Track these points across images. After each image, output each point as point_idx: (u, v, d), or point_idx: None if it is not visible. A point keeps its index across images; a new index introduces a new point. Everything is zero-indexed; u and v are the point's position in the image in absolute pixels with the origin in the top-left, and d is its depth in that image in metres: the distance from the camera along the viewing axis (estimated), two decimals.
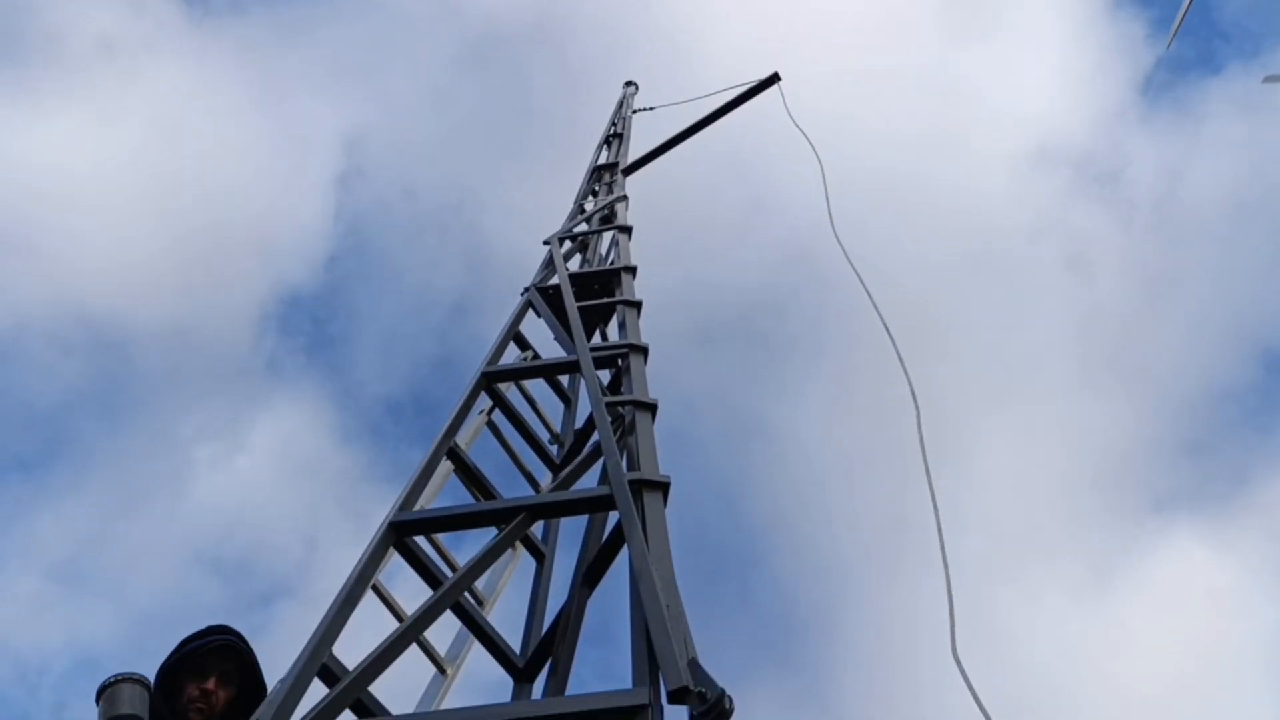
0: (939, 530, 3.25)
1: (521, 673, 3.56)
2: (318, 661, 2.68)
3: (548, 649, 3.58)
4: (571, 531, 4.60)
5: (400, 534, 3.29)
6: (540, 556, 4.26)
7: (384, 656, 2.75)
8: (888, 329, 4.90)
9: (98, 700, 2.80)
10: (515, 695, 3.53)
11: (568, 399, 5.60)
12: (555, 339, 5.72)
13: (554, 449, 5.12)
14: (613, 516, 3.52)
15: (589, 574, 3.42)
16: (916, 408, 4.20)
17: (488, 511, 3.35)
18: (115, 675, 2.73)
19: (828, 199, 6.80)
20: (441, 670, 3.77)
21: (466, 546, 4.11)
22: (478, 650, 3.94)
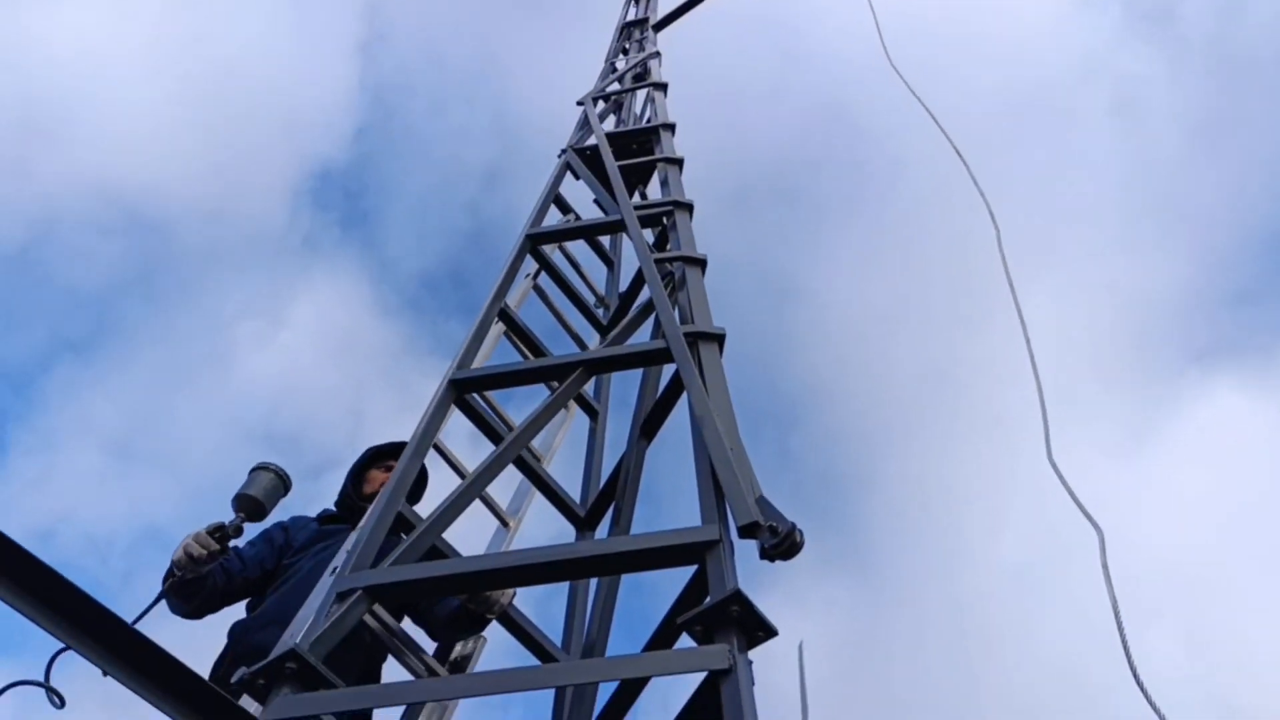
0: (1027, 340, 3.27)
1: (583, 522, 3.67)
2: (393, 510, 2.78)
3: (606, 500, 3.68)
4: (621, 391, 4.67)
5: (460, 391, 3.34)
6: (594, 414, 4.34)
7: (454, 507, 2.84)
8: (955, 148, 4.79)
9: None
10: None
11: (610, 261, 5.59)
12: (595, 200, 5.68)
13: (599, 312, 5.14)
14: (668, 370, 3.57)
15: (646, 426, 3.48)
16: (996, 228, 4.16)
17: (546, 367, 3.39)
18: (263, 463, 3.07)
19: (880, 32, 6.54)
20: (504, 523, 3.89)
21: (516, 404, 4.21)
22: (536, 505, 4.07)
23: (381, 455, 3.91)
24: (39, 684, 2.24)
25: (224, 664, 3.15)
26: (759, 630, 2.06)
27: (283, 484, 3.08)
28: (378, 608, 3.03)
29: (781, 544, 2.20)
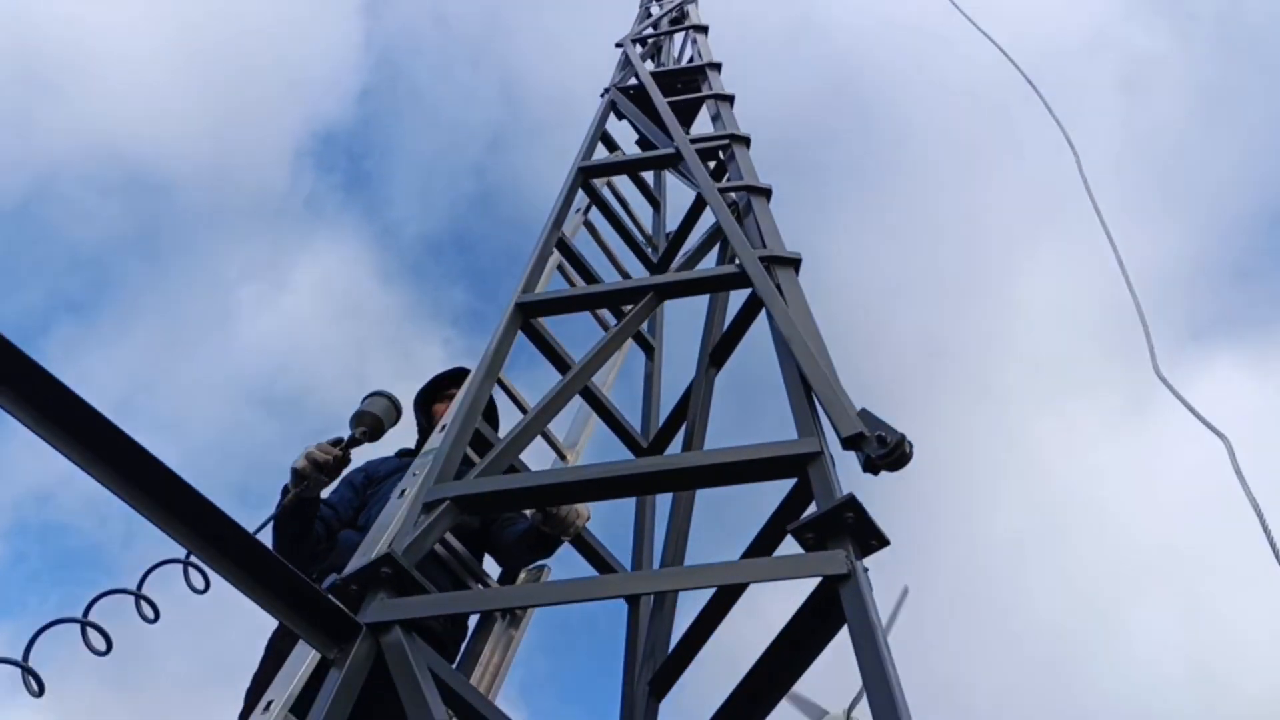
0: (1120, 263, 3.20)
1: (645, 452, 3.61)
2: (470, 427, 2.71)
3: (668, 433, 3.62)
4: (676, 324, 4.60)
5: (526, 315, 3.27)
6: (649, 349, 4.26)
7: (526, 431, 2.77)
8: (1029, 81, 4.69)
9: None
10: None
11: (656, 201, 5.50)
12: (638, 140, 5.58)
13: (648, 251, 5.06)
14: (735, 300, 3.50)
15: (715, 354, 3.40)
16: (1076, 155, 4.08)
17: (616, 291, 3.31)
18: (378, 390, 3.17)
19: None
20: (561, 456, 3.83)
21: (568, 337, 4.15)
22: (592, 439, 4.02)
23: (443, 384, 3.89)
24: (132, 593, 2.20)
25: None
26: (872, 538, 1.99)
27: (396, 411, 3.13)
28: (448, 534, 2.99)
29: (891, 453, 2.13)
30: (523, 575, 3.32)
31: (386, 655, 1.94)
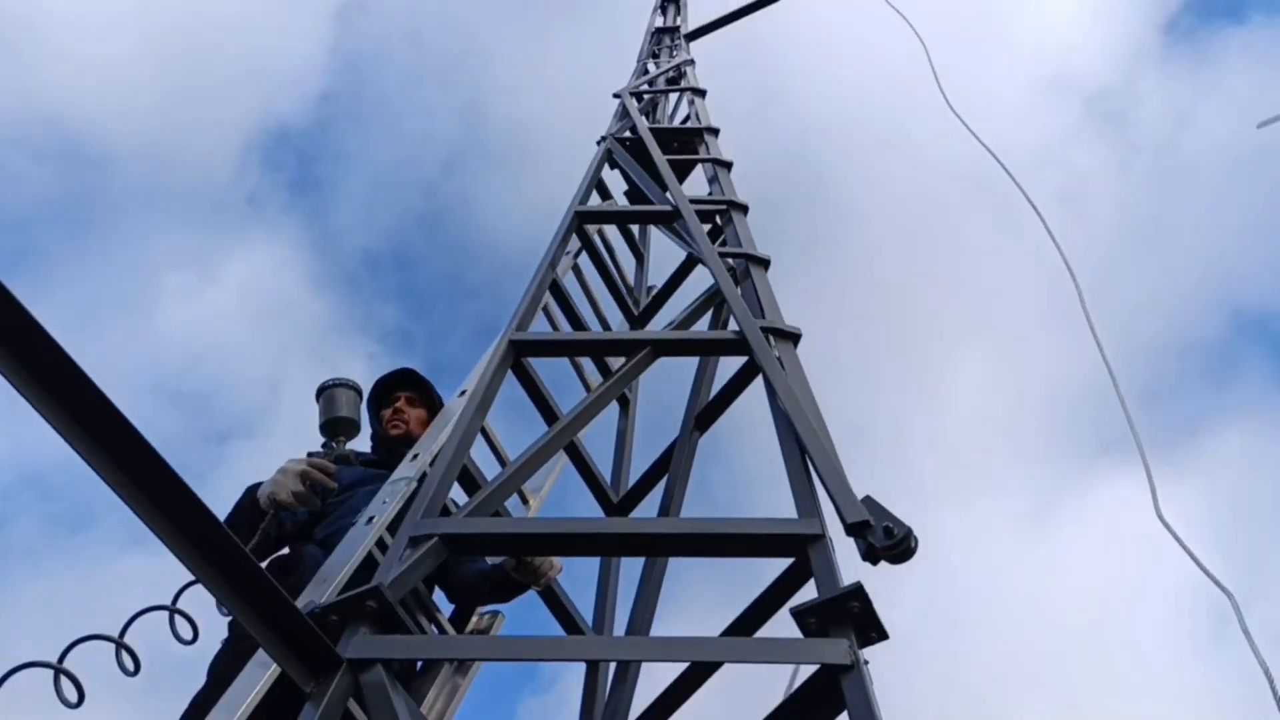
0: (1122, 401, 3.23)
1: (616, 509, 3.56)
2: (458, 464, 2.64)
3: (641, 490, 3.58)
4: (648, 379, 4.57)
5: (519, 353, 3.21)
6: (625, 402, 4.23)
7: (511, 481, 2.69)
8: (1026, 195, 4.79)
9: (317, 399, 3.09)
10: None
11: (640, 254, 5.50)
12: (627, 191, 5.61)
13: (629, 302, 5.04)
14: (725, 365, 3.49)
15: (701, 418, 3.38)
16: (1071, 272, 4.15)
17: (612, 341, 3.28)
18: (332, 379, 2.92)
19: (936, 76, 6.54)
20: (524, 499, 3.75)
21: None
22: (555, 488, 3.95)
23: (391, 385, 3.74)
24: (168, 609, 2.10)
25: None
26: (873, 630, 1.97)
27: (359, 395, 2.95)
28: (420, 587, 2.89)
29: (896, 545, 2.12)
30: (475, 619, 3.23)
31: (366, 695, 1.85)
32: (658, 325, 4.89)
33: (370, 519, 2.88)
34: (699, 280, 4.78)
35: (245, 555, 1.79)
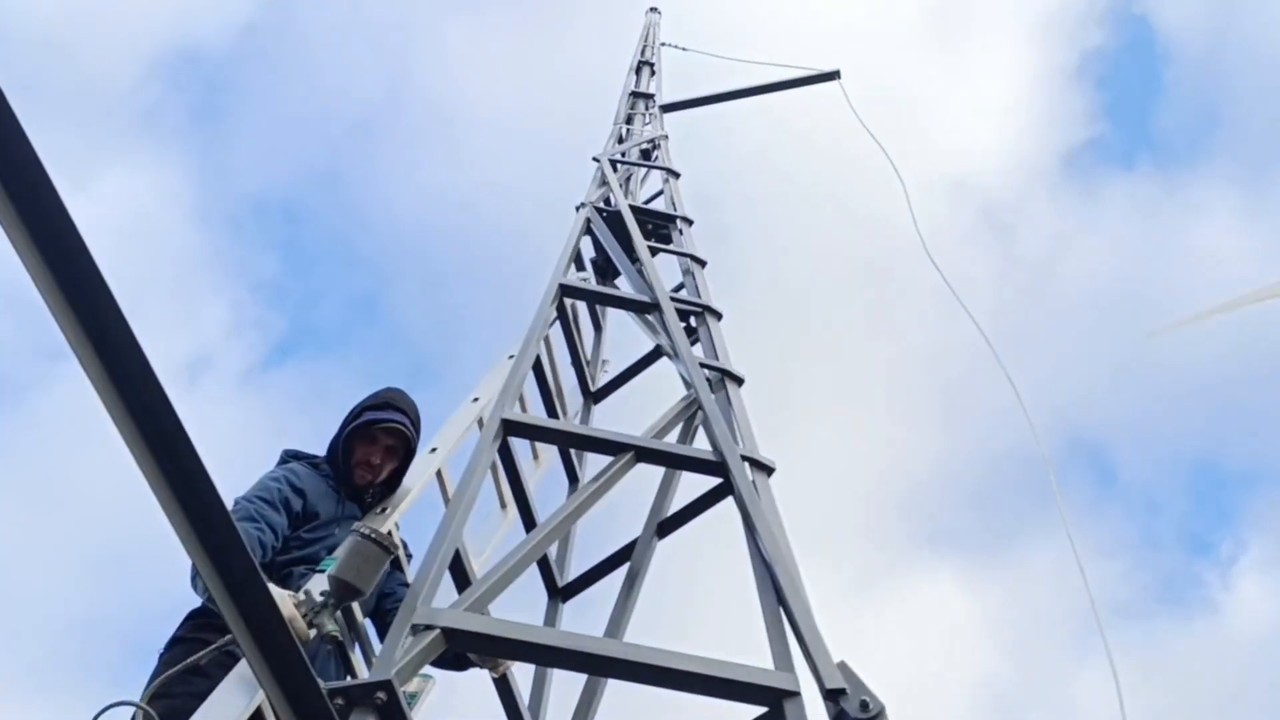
0: (1099, 622, 3.48)
1: (560, 592, 3.64)
2: (452, 546, 2.70)
3: (588, 580, 3.68)
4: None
5: (507, 433, 3.29)
6: (575, 480, 4.32)
7: (504, 578, 2.75)
8: (989, 342, 5.08)
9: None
10: (550, 613, 3.62)
11: (599, 327, 5.63)
12: (595, 259, 5.76)
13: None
14: (689, 477, 3.63)
15: (663, 526, 3.51)
16: (1041, 446, 4.43)
17: (598, 440, 3.38)
18: (364, 530, 2.43)
19: (912, 212, 6.86)
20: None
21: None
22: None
23: (370, 429, 3.53)
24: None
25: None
26: None
27: (383, 550, 2.42)
28: (354, 605, 2.91)
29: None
30: (413, 683, 3.25)
31: None
32: (613, 408, 5.03)
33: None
34: (660, 368, 4.95)
35: (287, 634, 1.83)
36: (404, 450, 3.57)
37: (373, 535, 2.41)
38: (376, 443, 3.53)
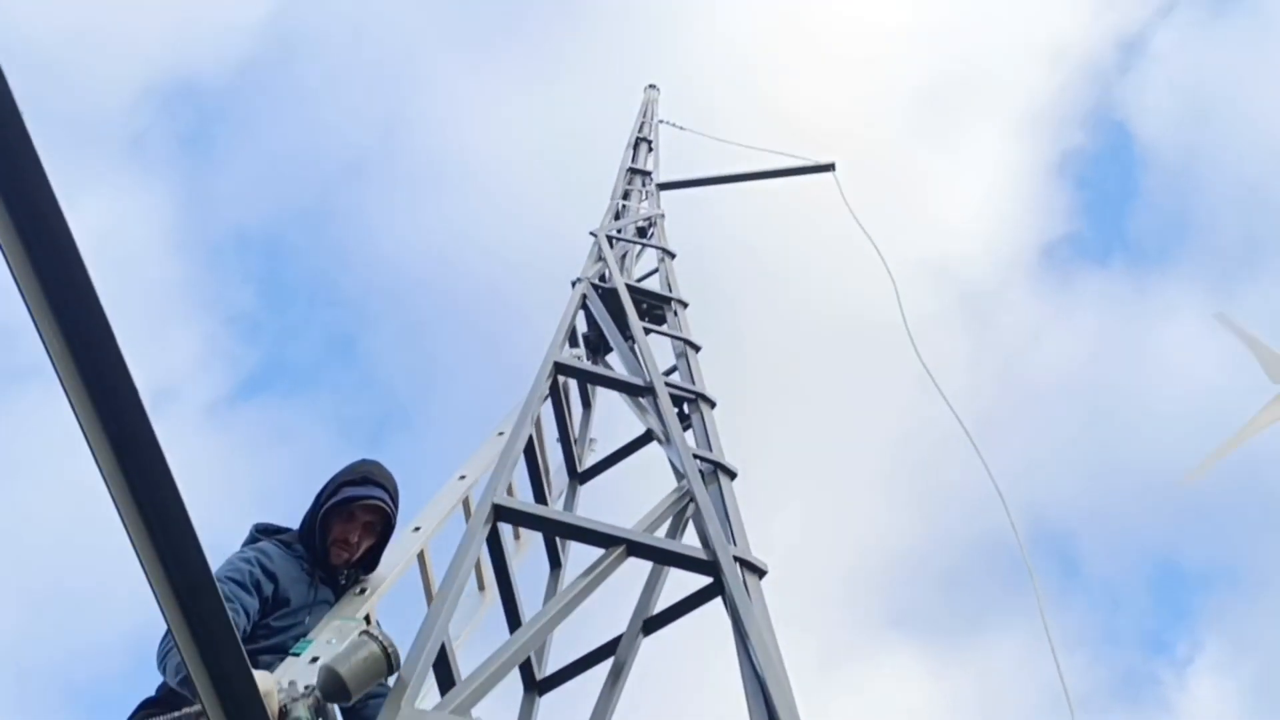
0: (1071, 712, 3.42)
1: (537, 686, 3.53)
2: (438, 641, 2.60)
3: (570, 672, 3.57)
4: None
5: (498, 517, 3.21)
6: (557, 564, 4.22)
7: (492, 676, 2.65)
8: (975, 446, 5.06)
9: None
10: (526, 708, 3.50)
11: (589, 404, 5.57)
12: (584, 334, 5.73)
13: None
14: (673, 574, 3.55)
15: (649, 623, 3.42)
16: (1016, 534, 4.40)
17: (590, 531, 3.30)
18: (370, 630, 2.33)
19: (901, 309, 6.88)
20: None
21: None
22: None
23: (348, 506, 3.42)
24: None
25: None
26: None
27: (389, 666, 2.29)
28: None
29: None
30: None
31: None
32: (594, 486, 4.95)
33: (315, 659, 2.78)
34: (653, 450, 4.88)
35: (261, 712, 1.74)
36: (382, 526, 3.47)
37: (382, 641, 2.30)
38: (355, 520, 3.43)
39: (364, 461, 3.61)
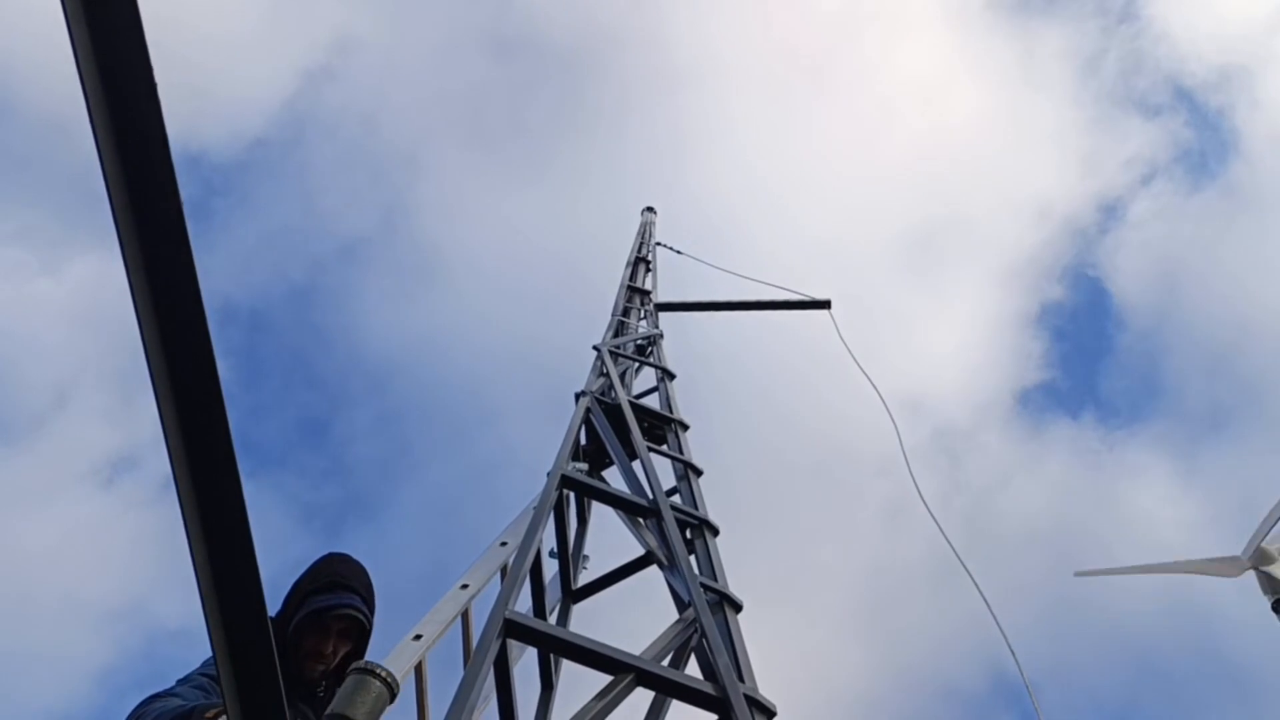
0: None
1: None
2: None
3: None
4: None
5: (508, 633, 3.14)
6: (549, 685, 4.12)
7: None
8: (968, 571, 5.04)
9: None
10: None
11: (584, 520, 5.52)
12: (587, 447, 5.73)
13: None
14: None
15: None
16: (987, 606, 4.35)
17: (599, 655, 3.23)
18: (367, 664, 2.27)
19: (905, 454, 6.94)
20: None
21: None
22: None
23: (320, 618, 3.21)
24: None
25: None
26: None
27: (390, 695, 2.30)
28: None
29: None
30: None
31: None
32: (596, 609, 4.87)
33: None
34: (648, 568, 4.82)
35: None
36: (358, 632, 3.29)
37: (377, 674, 2.25)
38: (329, 631, 3.23)
39: (330, 561, 3.41)
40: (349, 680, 2.29)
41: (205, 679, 3.02)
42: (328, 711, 2.30)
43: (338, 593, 3.28)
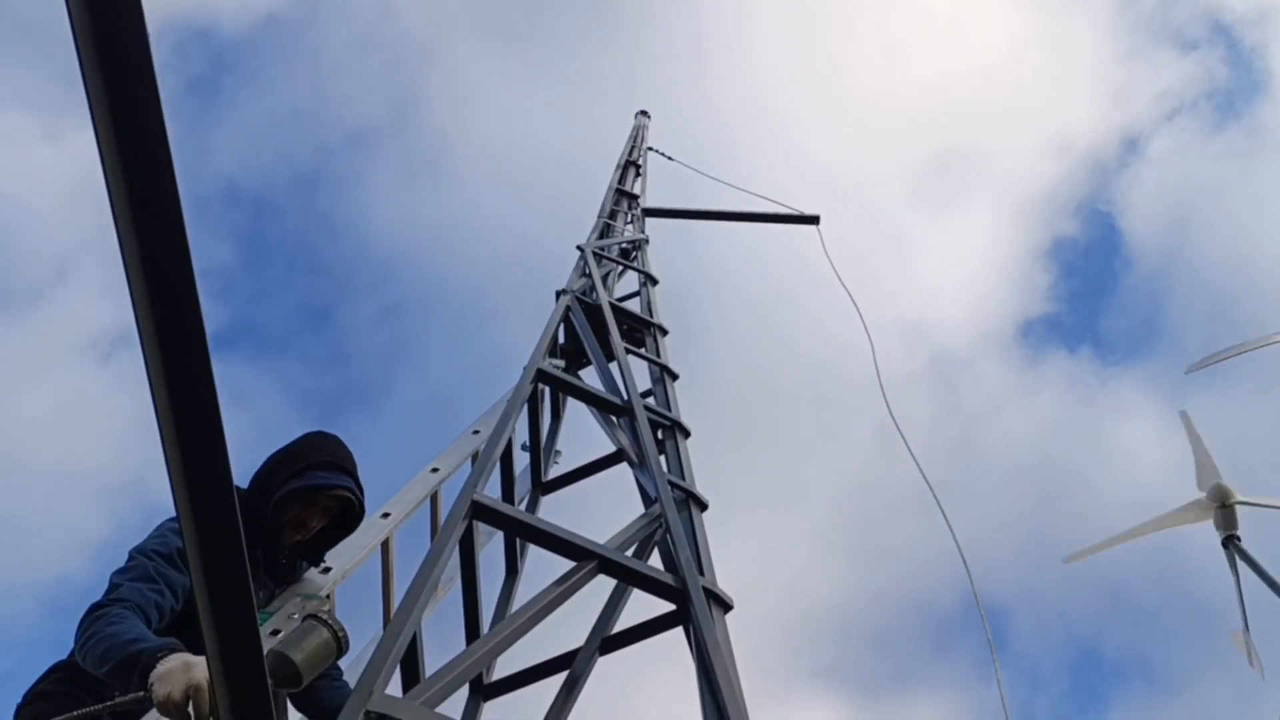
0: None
1: (482, 689, 3.48)
2: (409, 634, 2.56)
3: (518, 680, 3.53)
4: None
5: (475, 514, 3.18)
6: (514, 570, 4.18)
7: (459, 675, 2.62)
8: (962, 554, 5.14)
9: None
10: (470, 710, 3.45)
11: (558, 415, 5.55)
12: (565, 345, 5.74)
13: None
14: (635, 595, 3.54)
15: (606, 643, 3.40)
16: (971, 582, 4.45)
17: (563, 541, 3.28)
18: (319, 614, 2.18)
19: (878, 369, 6.96)
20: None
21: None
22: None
23: (313, 492, 3.28)
24: None
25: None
26: None
27: (338, 650, 2.19)
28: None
29: None
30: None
31: None
32: (564, 500, 4.93)
33: (276, 631, 2.73)
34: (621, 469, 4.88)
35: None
36: (341, 514, 3.38)
37: (331, 625, 2.19)
38: (317, 505, 3.32)
39: (326, 437, 3.49)
40: (302, 625, 2.25)
41: (154, 560, 2.92)
42: (268, 650, 2.29)
43: (336, 473, 3.37)
